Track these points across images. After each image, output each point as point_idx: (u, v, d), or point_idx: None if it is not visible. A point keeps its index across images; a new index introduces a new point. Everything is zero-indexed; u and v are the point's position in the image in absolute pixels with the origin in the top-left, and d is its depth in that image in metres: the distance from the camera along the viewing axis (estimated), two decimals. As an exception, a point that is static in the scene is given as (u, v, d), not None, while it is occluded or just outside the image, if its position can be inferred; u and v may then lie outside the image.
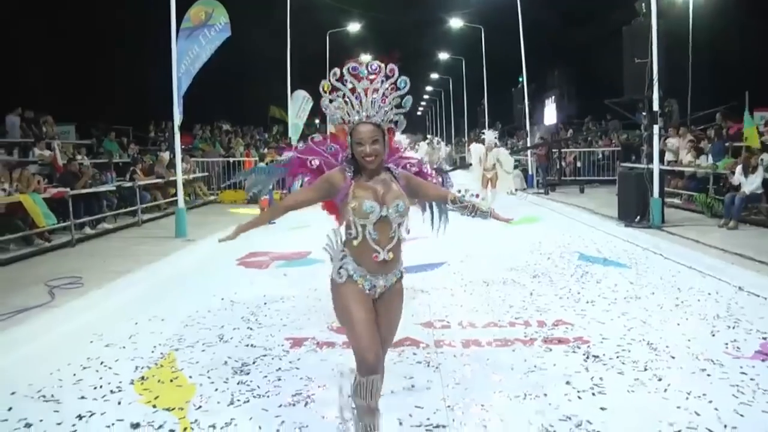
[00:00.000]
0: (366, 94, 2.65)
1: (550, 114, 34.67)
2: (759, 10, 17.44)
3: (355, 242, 2.66)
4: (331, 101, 2.74)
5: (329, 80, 2.71)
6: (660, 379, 3.81)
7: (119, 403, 3.59)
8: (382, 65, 2.69)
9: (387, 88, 2.68)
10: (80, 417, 3.40)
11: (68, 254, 8.67)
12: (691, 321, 5.05)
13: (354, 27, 28.90)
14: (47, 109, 14.68)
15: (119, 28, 21.53)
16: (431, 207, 4.31)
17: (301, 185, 3.57)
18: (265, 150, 17.70)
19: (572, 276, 6.75)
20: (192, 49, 9.75)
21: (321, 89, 2.75)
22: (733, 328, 4.81)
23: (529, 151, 19.90)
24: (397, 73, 2.71)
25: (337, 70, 2.69)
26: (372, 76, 2.68)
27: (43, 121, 14.10)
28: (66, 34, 19.66)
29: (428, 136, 29.77)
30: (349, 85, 2.66)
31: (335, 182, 2.72)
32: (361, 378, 2.65)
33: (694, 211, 11.65)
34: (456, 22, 29.19)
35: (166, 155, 15.31)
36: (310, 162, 3.39)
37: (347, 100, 2.68)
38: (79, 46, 20.19)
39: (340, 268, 2.73)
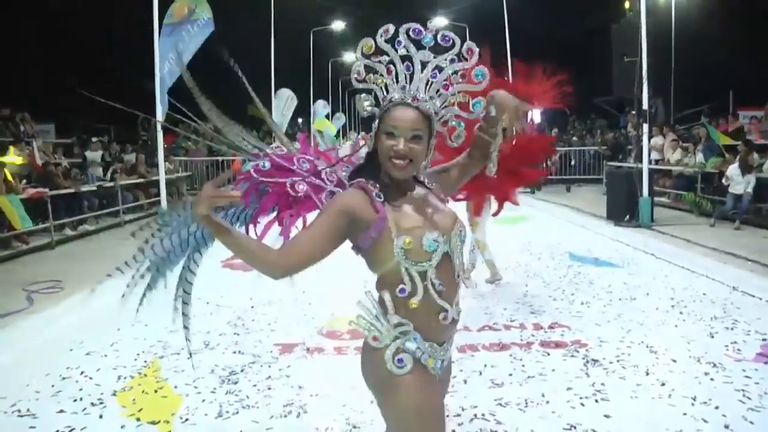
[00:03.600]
0: (423, 69, 1.76)
1: (534, 113, 34.74)
2: (741, 9, 17.55)
3: (414, 302, 1.69)
4: (370, 71, 1.79)
5: (376, 39, 1.77)
6: (663, 384, 3.70)
7: (101, 417, 3.41)
8: (458, 40, 1.77)
9: (455, 73, 1.79)
10: (58, 433, 3.22)
11: (48, 257, 8.42)
12: (688, 322, 4.97)
13: (338, 25, 28.75)
14: (25, 107, 14.32)
15: (100, 23, 21.17)
16: None
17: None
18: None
19: (565, 277, 6.65)
20: (177, 46, 9.53)
21: (359, 51, 1.79)
22: (732, 329, 4.74)
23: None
24: (476, 56, 1.79)
25: (390, 26, 1.77)
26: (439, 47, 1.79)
27: (20, 119, 13.75)
28: (45, 31, 19.28)
29: None
30: (402, 51, 1.76)
31: (360, 213, 1.69)
32: None
33: (681, 210, 11.65)
34: (440, 21, 29.08)
35: (141, 156, 15.01)
36: (293, 187, 1.86)
37: (392, 68, 1.76)
38: (58, 43, 19.81)
39: (398, 352, 1.72)
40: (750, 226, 9.51)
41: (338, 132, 26.60)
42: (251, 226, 2.00)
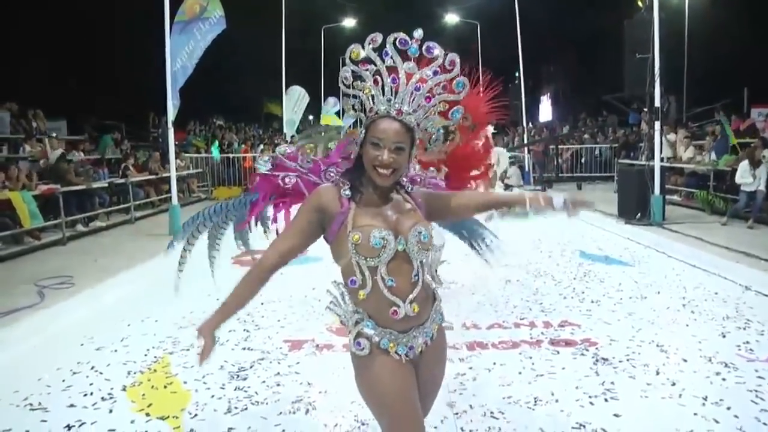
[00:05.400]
0: (407, 81, 1.85)
1: (546, 110, 34.61)
2: (756, 4, 17.34)
3: (361, 294, 1.88)
4: (357, 78, 1.89)
5: (364, 47, 1.87)
6: (673, 384, 3.67)
7: (111, 412, 3.43)
8: (441, 52, 1.88)
9: (438, 84, 1.89)
10: (69, 427, 3.24)
11: (59, 253, 8.47)
12: (699, 322, 4.93)
13: (349, 22, 28.71)
14: (37, 104, 14.42)
15: (111, 20, 21.26)
16: (461, 233, 3.31)
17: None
18: (261, 146, 17.48)
19: (575, 275, 6.62)
20: (188, 44, 9.56)
21: (348, 58, 1.89)
22: (744, 329, 4.69)
23: (525, 148, 19.78)
24: (457, 69, 1.89)
25: (378, 36, 1.86)
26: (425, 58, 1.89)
27: (32, 115, 13.85)
28: (58, 27, 19.37)
29: None
30: (389, 62, 1.85)
31: (328, 206, 1.88)
32: None
33: (693, 208, 11.55)
34: (452, 18, 29.01)
35: (156, 153, 15.08)
36: (283, 180, 2.30)
37: (379, 79, 1.86)
38: (70, 40, 19.90)
39: (358, 336, 1.90)
40: (763, 225, 9.39)
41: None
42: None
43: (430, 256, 1.91)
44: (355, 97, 1.90)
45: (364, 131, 1.87)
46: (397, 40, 1.85)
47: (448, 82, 1.90)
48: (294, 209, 2.20)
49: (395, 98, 1.84)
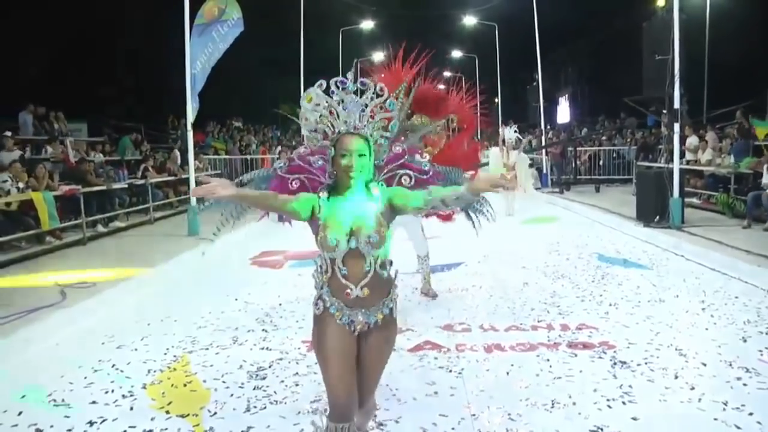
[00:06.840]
0: (354, 107, 2.40)
1: (564, 112, 34.42)
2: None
3: (324, 277, 2.40)
4: (313, 115, 2.44)
5: (313, 91, 2.43)
6: (693, 388, 3.64)
7: (131, 409, 3.49)
8: (371, 83, 2.42)
9: (375, 106, 2.42)
10: (91, 423, 3.30)
11: (80, 252, 8.59)
12: (719, 326, 4.88)
13: (367, 24, 28.75)
14: (58, 106, 14.63)
15: (132, 24, 21.50)
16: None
17: None
18: (279, 148, 17.58)
19: (593, 278, 6.58)
20: (207, 46, 9.67)
21: (303, 101, 2.46)
22: (766, 333, 4.64)
23: (544, 150, 19.68)
24: (386, 93, 2.44)
25: (323, 81, 2.44)
26: (361, 89, 2.44)
27: (54, 117, 14.06)
28: (80, 31, 19.63)
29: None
30: (336, 98, 2.40)
31: (315, 208, 2.39)
32: (330, 424, 2.36)
33: (713, 211, 11.40)
34: (470, 20, 28.94)
35: (176, 153, 15.24)
36: (291, 183, 2.77)
37: (333, 110, 2.40)
38: (92, 44, 20.16)
39: (319, 298, 2.42)
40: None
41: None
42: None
43: (382, 251, 2.36)
44: (316, 131, 2.44)
45: (332, 148, 2.37)
46: (337, 81, 2.39)
47: (382, 103, 2.43)
48: None
49: (350, 119, 2.38)
